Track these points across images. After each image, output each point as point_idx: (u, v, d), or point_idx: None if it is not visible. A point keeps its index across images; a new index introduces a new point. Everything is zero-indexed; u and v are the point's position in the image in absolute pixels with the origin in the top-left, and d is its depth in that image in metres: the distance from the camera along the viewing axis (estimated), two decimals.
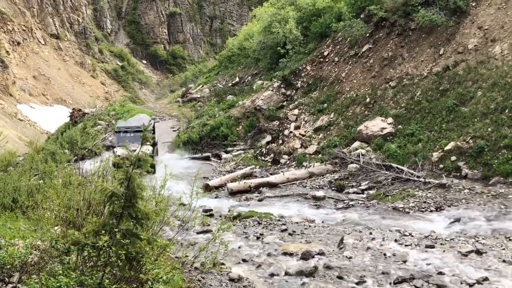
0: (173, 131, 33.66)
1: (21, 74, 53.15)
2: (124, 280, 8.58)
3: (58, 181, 11.89)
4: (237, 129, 30.62)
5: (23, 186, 14.77)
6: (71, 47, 66.53)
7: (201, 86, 42.53)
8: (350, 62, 30.71)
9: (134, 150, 21.57)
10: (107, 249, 8.22)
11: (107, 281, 8.07)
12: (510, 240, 14.98)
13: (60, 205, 10.04)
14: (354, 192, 21.71)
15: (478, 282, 12.03)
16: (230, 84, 38.87)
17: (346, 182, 22.80)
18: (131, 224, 8.57)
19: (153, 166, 20.53)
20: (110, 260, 8.26)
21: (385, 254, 14.11)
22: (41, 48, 63.74)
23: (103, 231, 8.29)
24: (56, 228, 9.82)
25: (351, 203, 20.48)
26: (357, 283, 12.20)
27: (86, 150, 27.46)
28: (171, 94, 48.56)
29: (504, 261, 13.37)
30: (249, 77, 38.22)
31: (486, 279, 12.14)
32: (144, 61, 64.77)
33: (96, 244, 8.22)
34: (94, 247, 8.28)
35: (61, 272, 8.09)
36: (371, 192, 21.33)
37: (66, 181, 11.35)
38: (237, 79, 38.84)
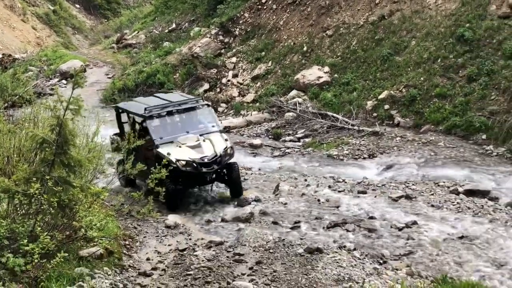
0: (108, 78, 32.93)
1: None
2: (57, 228, 8.53)
3: None
4: (174, 76, 30.16)
5: None
6: None
7: (136, 32, 41.47)
8: (288, 10, 30.54)
9: (199, 146, 14.54)
10: (39, 196, 8.11)
11: (39, 228, 8.01)
12: (438, 185, 15.55)
13: None
14: (290, 140, 21.94)
15: (407, 226, 12.52)
16: (166, 31, 38.03)
17: (283, 130, 22.99)
18: (64, 172, 8.45)
19: (236, 182, 15.07)
20: (42, 207, 8.17)
21: (319, 200, 14.46)
22: None
23: (34, 179, 8.16)
24: None
25: (287, 151, 20.72)
26: (291, 228, 12.50)
27: (17, 97, 26.43)
28: (105, 40, 47.04)
29: (432, 205, 13.93)
30: (186, 24, 37.48)
31: (415, 223, 12.65)
32: (77, 5, 62.33)
33: (27, 192, 8.09)
34: (25, 195, 8.15)
35: None
36: (307, 140, 21.61)
37: None
38: (174, 26, 38.03)
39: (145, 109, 15.02)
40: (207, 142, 14.60)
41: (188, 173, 14.13)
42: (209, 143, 14.61)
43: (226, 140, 15.00)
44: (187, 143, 14.45)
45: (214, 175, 14.61)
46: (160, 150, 14.26)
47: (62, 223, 8.68)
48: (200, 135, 14.87)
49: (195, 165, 14.02)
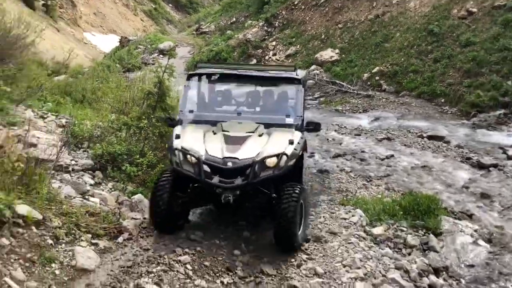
0: (190, 54, 32.71)
1: (85, 11, 50.45)
2: (157, 149, 8.71)
3: (112, 84, 11.72)
4: (233, 54, 29.69)
5: (88, 87, 14.54)
6: None
7: (209, 23, 40.81)
8: (312, 10, 29.58)
9: (242, 141, 5.82)
10: (146, 128, 8.27)
11: (146, 149, 8.19)
12: (410, 132, 15.24)
13: (114, 99, 9.96)
14: (310, 99, 21.63)
15: (387, 157, 12.38)
16: (229, 23, 37.35)
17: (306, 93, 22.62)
18: (162, 113, 8.58)
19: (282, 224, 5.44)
20: (148, 135, 8.34)
21: (328, 139, 14.36)
22: None
23: (143, 117, 8.32)
24: (112, 114, 9.80)
25: (307, 106, 20.42)
26: (309, 156, 12.44)
27: (131, 65, 26.81)
28: (188, 29, 46.45)
29: (405, 145, 13.70)
30: (242, 18, 36.71)
31: (392, 155, 12.49)
32: (170, 5, 61.72)
33: (139, 125, 8.26)
34: (137, 127, 8.33)
35: (115, 142, 8.18)
36: (321, 99, 21.26)
37: (118, 84, 11.20)
38: (234, 19, 37.30)
39: (197, 63, 7.67)
40: (262, 139, 5.96)
41: (190, 179, 5.67)
42: (265, 141, 5.91)
43: (291, 143, 5.78)
44: (230, 132, 6.00)
45: (236, 197, 5.40)
46: (175, 129, 6.33)
47: (161, 146, 8.87)
48: (265, 126, 6.21)
49: (204, 169, 5.46)
